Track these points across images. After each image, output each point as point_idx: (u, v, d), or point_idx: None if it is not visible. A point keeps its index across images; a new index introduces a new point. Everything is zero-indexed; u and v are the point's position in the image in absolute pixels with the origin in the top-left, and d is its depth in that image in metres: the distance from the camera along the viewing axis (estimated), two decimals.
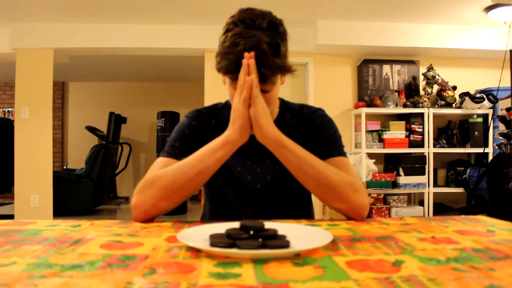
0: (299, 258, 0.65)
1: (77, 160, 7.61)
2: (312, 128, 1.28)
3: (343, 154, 1.22)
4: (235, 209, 1.26)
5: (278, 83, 1.13)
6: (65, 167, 7.70)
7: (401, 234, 0.85)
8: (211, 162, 1.04)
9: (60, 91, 7.82)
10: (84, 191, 5.86)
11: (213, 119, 1.28)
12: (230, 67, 1.04)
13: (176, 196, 1.05)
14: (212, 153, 1.04)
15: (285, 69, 1.09)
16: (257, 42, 1.01)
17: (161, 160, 1.18)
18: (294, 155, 1.05)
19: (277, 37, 1.05)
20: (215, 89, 4.83)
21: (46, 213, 4.67)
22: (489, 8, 4.13)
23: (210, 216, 1.34)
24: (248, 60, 0.99)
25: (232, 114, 1.04)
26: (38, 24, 4.65)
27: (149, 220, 1.04)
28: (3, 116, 7.71)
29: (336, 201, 1.07)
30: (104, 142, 7.10)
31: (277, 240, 0.71)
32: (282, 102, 1.32)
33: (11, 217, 4.80)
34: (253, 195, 1.25)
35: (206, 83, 4.86)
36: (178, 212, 5.92)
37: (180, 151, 1.18)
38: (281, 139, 1.05)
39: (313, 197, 1.24)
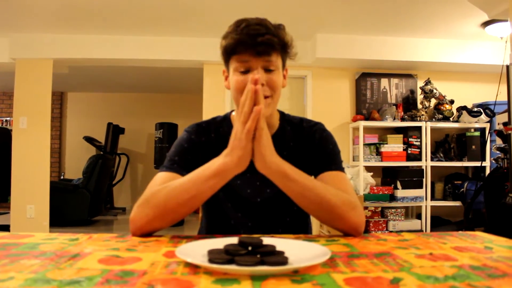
0: (297, 275, 0.65)
1: (74, 170, 7.59)
2: (311, 142, 1.28)
3: (341, 169, 1.23)
4: (233, 223, 1.25)
5: (280, 71, 1.16)
6: (62, 177, 7.68)
7: (399, 251, 0.85)
8: (204, 188, 1.01)
9: (58, 101, 7.83)
10: (81, 202, 5.83)
11: (212, 133, 1.29)
12: (236, 41, 1.09)
13: (168, 217, 1.04)
14: (206, 179, 1.00)
15: (287, 44, 1.16)
16: (260, 21, 1.10)
17: (160, 175, 1.17)
18: (296, 184, 1.02)
19: (278, 24, 1.15)
20: (214, 101, 4.85)
21: (43, 224, 4.64)
22: (486, 24, 4.17)
23: (208, 231, 1.33)
24: (256, 86, 0.95)
25: (232, 140, 0.98)
26: (37, 35, 4.67)
27: (145, 235, 1.03)
28: (1, 125, 7.70)
29: (335, 221, 1.06)
30: (101, 152, 7.09)
31: (275, 257, 0.71)
32: (282, 115, 1.33)
33: (6, 227, 4.77)
34: (252, 208, 1.24)
35: (204, 95, 4.88)
36: (175, 224, 5.89)
37: (179, 165, 1.18)
38: (284, 170, 1.01)
39: None
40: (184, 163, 1.19)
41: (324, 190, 1.05)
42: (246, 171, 1.22)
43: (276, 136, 1.25)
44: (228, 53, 1.14)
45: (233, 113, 1.32)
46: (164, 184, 1.06)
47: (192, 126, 1.30)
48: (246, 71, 1.13)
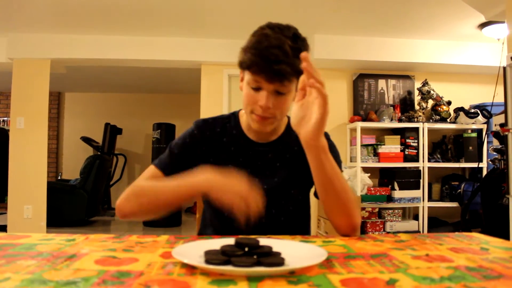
0: (294, 276, 0.65)
1: (71, 170, 7.57)
2: None
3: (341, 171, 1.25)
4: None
5: (292, 92, 1.17)
6: (59, 178, 7.67)
7: (395, 252, 0.85)
8: (180, 200, 1.11)
9: (56, 101, 7.81)
10: (79, 202, 5.82)
11: (218, 128, 1.31)
12: (252, 61, 1.10)
13: (150, 213, 1.16)
14: (183, 195, 1.10)
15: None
16: (281, 43, 1.08)
17: (151, 169, 1.25)
18: (331, 165, 1.07)
19: (300, 44, 1.12)
20: (211, 102, 4.85)
21: (40, 224, 4.63)
22: (483, 25, 4.19)
23: (212, 222, 1.33)
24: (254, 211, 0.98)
25: (227, 180, 1.02)
26: (35, 35, 4.66)
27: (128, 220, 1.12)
28: None
29: (343, 216, 1.10)
30: (99, 153, 7.08)
31: (272, 257, 0.71)
32: (289, 120, 1.34)
33: (3, 228, 4.76)
34: None
35: (202, 96, 4.88)
36: (172, 225, 5.90)
37: (171, 164, 1.24)
38: (326, 146, 1.06)
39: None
40: (178, 160, 1.25)
41: (346, 184, 1.11)
42: (256, 160, 1.26)
43: (280, 140, 1.30)
44: (243, 68, 1.16)
45: (241, 111, 1.35)
46: (150, 183, 1.19)
47: (199, 121, 1.33)
48: (257, 88, 1.15)
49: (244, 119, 1.31)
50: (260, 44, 1.09)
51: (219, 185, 1.01)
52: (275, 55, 1.07)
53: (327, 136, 1.31)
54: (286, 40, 1.09)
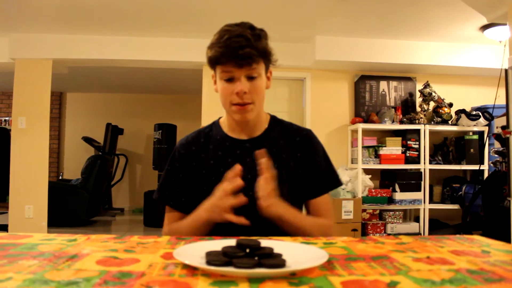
0: (295, 278, 0.65)
1: (73, 170, 7.57)
2: (300, 146, 1.35)
3: (329, 187, 1.37)
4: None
5: (263, 76, 1.26)
6: (60, 178, 7.67)
7: (396, 254, 0.85)
8: (200, 232, 1.21)
9: (57, 101, 7.82)
10: (80, 202, 5.82)
11: (202, 138, 1.37)
12: (219, 53, 1.18)
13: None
14: (199, 228, 1.22)
15: (267, 53, 1.24)
16: (241, 32, 1.18)
17: (167, 216, 1.36)
18: (293, 226, 1.21)
19: (258, 31, 1.22)
20: (213, 103, 4.84)
21: (41, 224, 4.63)
22: (485, 27, 4.18)
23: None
24: (238, 171, 1.15)
25: (214, 200, 1.17)
26: (37, 35, 4.67)
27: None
28: (0, 125, 7.70)
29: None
30: (100, 153, 7.08)
31: (273, 259, 0.71)
32: (272, 117, 1.42)
33: (5, 227, 4.77)
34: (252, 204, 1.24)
35: (203, 97, 4.88)
36: None
37: (174, 192, 1.34)
38: (283, 214, 1.19)
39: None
40: (179, 185, 1.34)
41: (310, 228, 1.24)
42: (245, 156, 1.31)
43: (265, 135, 1.35)
44: (213, 63, 1.24)
45: (221, 118, 1.42)
46: (175, 227, 1.30)
47: (182, 140, 1.40)
48: (230, 79, 1.22)
49: (225, 124, 1.37)
50: (222, 38, 1.18)
51: (211, 208, 1.16)
52: (238, 42, 1.16)
53: (321, 148, 1.39)
54: (245, 29, 1.19)
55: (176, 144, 1.40)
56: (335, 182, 1.38)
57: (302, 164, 1.33)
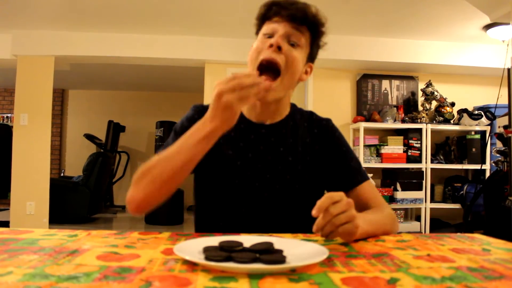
0: (295, 274, 0.65)
1: (74, 167, 7.58)
2: (322, 135, 1.27)
3: (365, 176, 1.24)
4: (236, 217, 1.21)
5: (302, 52, 1.18)
6: (62, 175, 7.68)
7: (396, 251, 0.85)
8: (195, 151, 0.98)
9: (59, 98, 7.83)
10: (81, 199, 5.84)
11: None
12: (269, 7, 1.15)
13: (167, 185, 1.02)
14: (195, 144, 0.97)
15: (317, 25, 1.21)
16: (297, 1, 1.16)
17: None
18: (371, 230, 1.01)
19: (315, 9, 1.20)
20: None
21: (42, 221, 4.64)
22: (488, 27, 4.17)
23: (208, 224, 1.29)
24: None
25: (213, 103, 0.93)
26: (39, 32, 4.67)
27: (142, 213, 1.06)
28: (1, 122, 7.71)
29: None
30: (102, 150, 7.09)
31: (273, 255, 0.71)
32: (293, 105, 1.32)
33: (6, 224, 4.78)
34: (259, 203, 1.20)
35: (206, 94, 4.88)
36: (174, 223, 5.91)
37: None
38: (362, 231, 0.95)
39: None
40: None
41: (384, 226, 1.07)
42: (258, 144, 1.20)
43: (284, 123, 1.24)
44: (262, 18, 1.18)
45: None
46: (157, 155, 1.04)
47: (198, 105, 1.29)
48: (270, 36, 1.14)
49: None
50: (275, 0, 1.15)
51: (221, 104, 0.91)
52: (291, 2, 1.14)
53: (334, 128, 1.30)
54: (301, 2, 1.17)
55: (192, 107, 1.28)
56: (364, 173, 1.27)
57: (325, 156, 1.24)
